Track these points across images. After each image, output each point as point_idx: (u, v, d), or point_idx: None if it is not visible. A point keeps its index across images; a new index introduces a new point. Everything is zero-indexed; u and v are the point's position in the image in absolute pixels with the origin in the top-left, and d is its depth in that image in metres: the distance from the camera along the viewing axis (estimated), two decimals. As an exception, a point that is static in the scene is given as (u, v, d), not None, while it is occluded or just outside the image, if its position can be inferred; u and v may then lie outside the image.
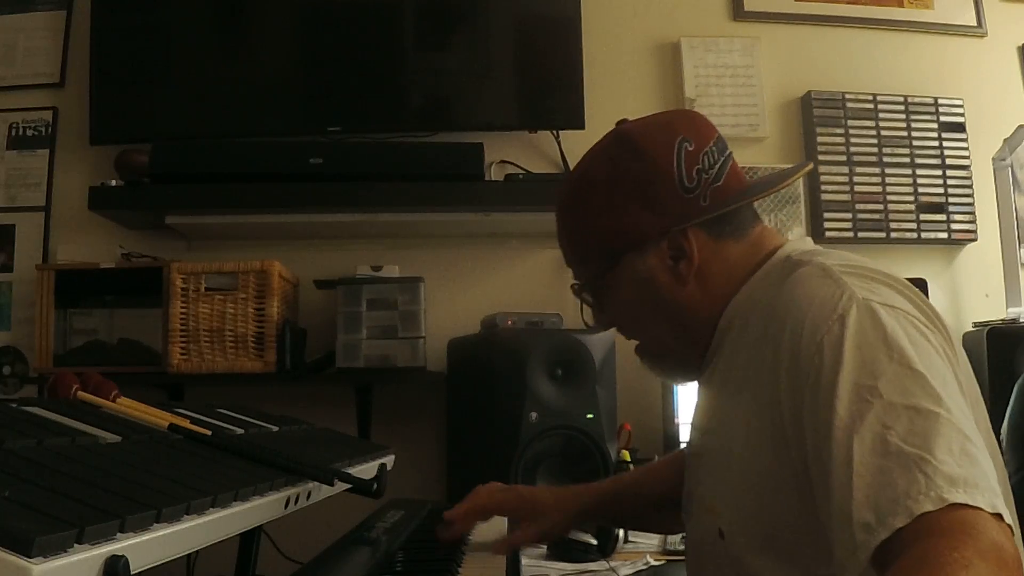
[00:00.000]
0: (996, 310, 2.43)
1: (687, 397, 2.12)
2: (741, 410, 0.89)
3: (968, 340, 2.30)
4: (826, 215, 2.46)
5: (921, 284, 2.17)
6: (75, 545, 0.51)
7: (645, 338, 1.05)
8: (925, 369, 0.74)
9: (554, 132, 2.38)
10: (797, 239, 1.00)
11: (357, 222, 2.23)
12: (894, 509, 0.66)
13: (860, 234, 2.46)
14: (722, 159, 0.97)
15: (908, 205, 2.48)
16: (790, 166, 2.34)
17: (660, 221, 0.96)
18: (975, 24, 2.61)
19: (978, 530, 0.64)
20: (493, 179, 2.31)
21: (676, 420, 2.11)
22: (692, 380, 1.06)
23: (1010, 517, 0.66)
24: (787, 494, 0.82)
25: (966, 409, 0.75)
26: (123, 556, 0.53)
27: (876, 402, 0.73)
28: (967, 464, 0.68)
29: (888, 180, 2.49)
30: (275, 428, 1.33)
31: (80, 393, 0.99)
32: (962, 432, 0.70)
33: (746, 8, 2.53)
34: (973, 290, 2.52)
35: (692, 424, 1.07)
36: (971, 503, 0.65)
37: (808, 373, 0.78)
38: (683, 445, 2.04)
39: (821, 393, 0.76)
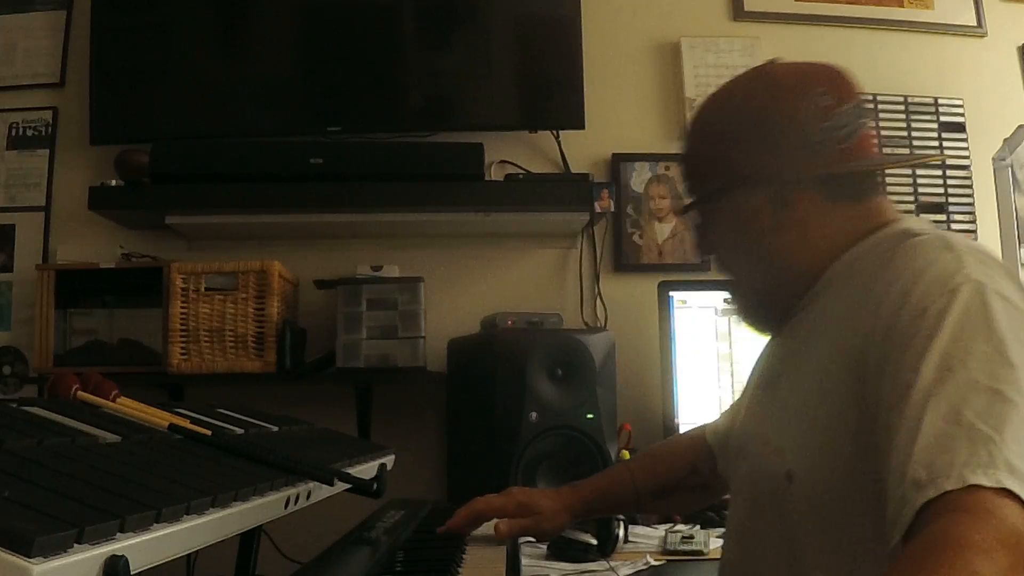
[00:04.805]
0: (996, 310, 2.43)
1: (687, 397, 2.12)
2: (823, 355, 0.89)
3: (968, 340, 2.30)
4: (826, 215, 2.46)
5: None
6: (75, 545, 0.51)
7: (738, 274, 1.05)
8: (1020, 363, 0.74)
9: (554, 132, 2.38)
10: (916, 219, 0.99)
11: (357, 222, 2.23)
12: (948, 472, 0.67)
13: (860, 234, 2.46)
14: (856, 123, 0.96)
15: (908, 205, 2.48)
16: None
17: (775, 166, 0.95)
18: (975, 24, 2.61)
19: (1014, 521, 0.64)
20: (493, 179, 2.31)
21: (676, 420, 2.11)
22: (770, 331, 1.06)
23: None
24: (850, 441, 0.82)
25: None
26: (123, 556, 0.53)
27: (961, 374, 0.73)
28: None
29: (888, 180, 2.49)
30: (275, 428, 1.33)
31: (80, 393, 0.99)
32: None
33: (746, 8, 2.53)
34: (973, 290, 2.51)
35: (756, 376, 1.08)
36: (1022, 495, 0.65)
37: (904, 333, 0.79)
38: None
39: (909, 354, 0.77)
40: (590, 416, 1.89)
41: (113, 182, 2.18)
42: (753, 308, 1.06)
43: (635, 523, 1.74)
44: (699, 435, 1.32)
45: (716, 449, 1.26)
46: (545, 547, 1.53)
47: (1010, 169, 2.45)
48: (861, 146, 0.96)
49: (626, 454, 1.98)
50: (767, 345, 1.12)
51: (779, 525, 0.91)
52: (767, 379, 1.04)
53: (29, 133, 2.39)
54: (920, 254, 0.85)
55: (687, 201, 1.08)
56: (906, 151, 2.50)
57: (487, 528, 1.26)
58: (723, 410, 1.30)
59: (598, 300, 2.37)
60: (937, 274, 0.81)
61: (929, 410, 0.72)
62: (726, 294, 1.12)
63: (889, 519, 0.71)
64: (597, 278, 2.39)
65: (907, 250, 0.87)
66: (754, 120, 0.97)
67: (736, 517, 1.03)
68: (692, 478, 1.28)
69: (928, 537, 0.65)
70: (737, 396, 1.19)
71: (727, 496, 1.13)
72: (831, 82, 0.97)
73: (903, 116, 2.51)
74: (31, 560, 0.46)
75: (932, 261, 0.83)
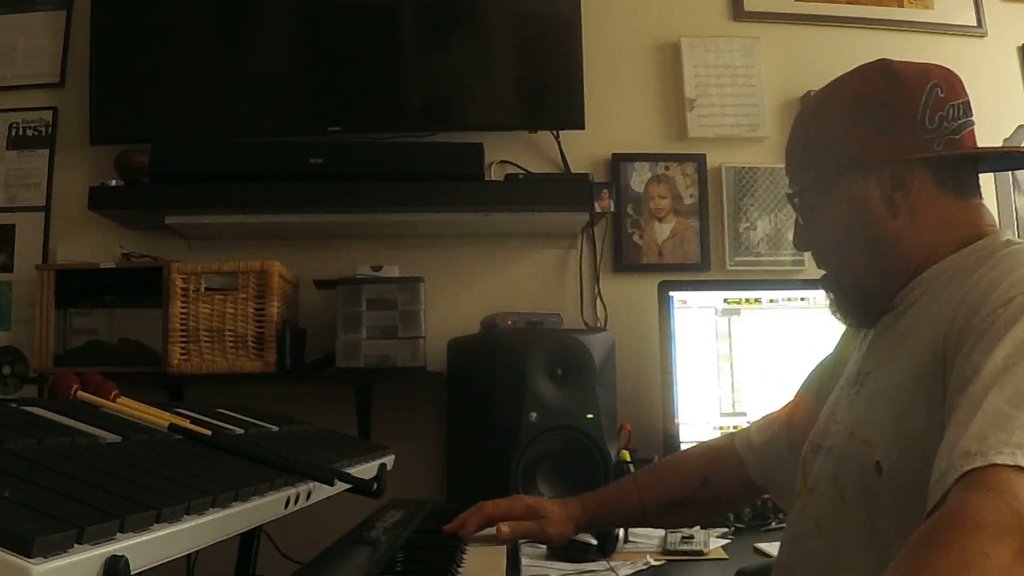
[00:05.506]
0: (996, 310, 2.43)
1: (687, 397, 2.12)
2: (913, 350, 0.92)
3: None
4: (826, 215, 2.46)
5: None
6: (75, 545, 0.51)
7: (841, 265, 1.06)
8: None
9: (554, 132, 2.38)
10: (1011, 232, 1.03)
11: (357, 222, 2.23)
12: (1000, 448, 0.69)
13: (860, 234, 2.46)
14: (965, 119, 1.00)
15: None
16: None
17: (891, 149, 0.98)
18: (975, 24, 2.61)
19: None
20: (493, 179, 2.31)
21: (676, 420, 2.11)
22: (867, 325, 1.07)
23: None
24: (939, 430, 0.82)
25: None
26: (123, 556, 0.53)
27: None
28: None
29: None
30: (275, 428, 1.33)
31: (80, 393, 0.99)
32: None
33: (746, 8, 2.53)
34: (973, 290, 2.51)
35: (848, 371, 1.08)
36: None
37: (984, 320, 0.81)
38: (684, 446, 2.04)
39: (984, 340, 0.79)
40: (590, 416, 1.89)
41: (113, 182, 2.18)
42: (854, 301, 1.07)
43: (635, 523, 1.73)
44: (718, 445, 1.32)
45: (746, 454, 1.26)
46: (545, 547, 1.53)
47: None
48: (968, 141, 1.00)
49: (626, 454, 1.98)
50: (848, 346, 1.13)
51: (865, 517, 0.92)
52: (854, 378, 1.05)
53: (29, 133, 2.39)
54: (1016, 256, 0.89)
55: (795, 188, 1.09)
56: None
57: (489, 529, 1.26)
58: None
59: (598, 300, 2.37)
60: None
61: (993, 391, 0.74)
62: (820, 286, 1.12)
63: (930, 486, 0.72)
64: (597, 278, 2.39)
65: (1005, 255, 0.90)
66: (873, 104, 1.00)
67: (811, 512, 1.02)
68: (702, 491, 1.28)
69: (947, 512, 0.67)
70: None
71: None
72: (944, 79, 1.01)
73: (903, 116, 2.50)
74: (31, 560, 0.46)
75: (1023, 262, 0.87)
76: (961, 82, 1.03)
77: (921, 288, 0.98)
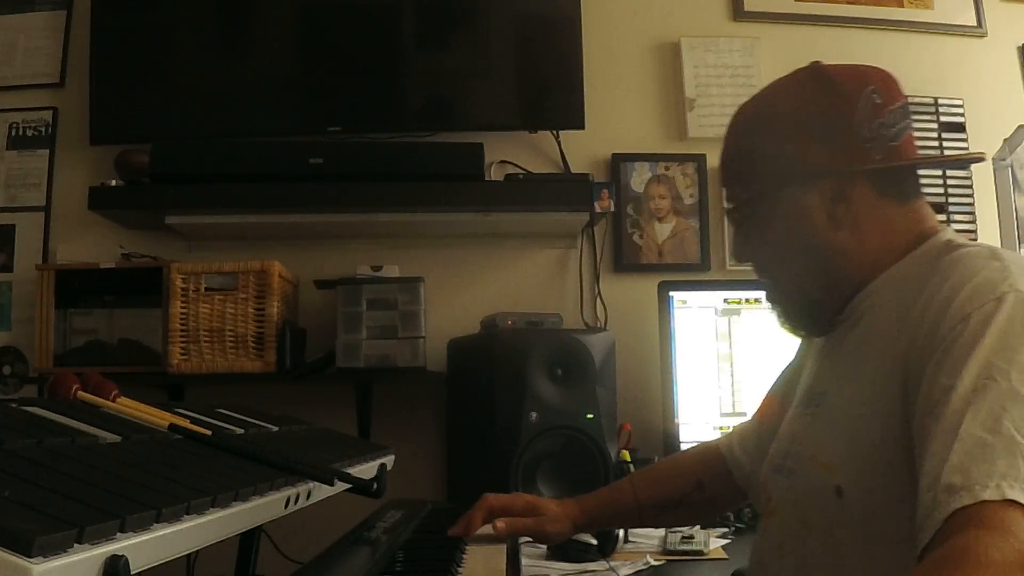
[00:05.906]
0: (996, 310, 2.42)
1: (687, 397, 2.12)
2: (870, 368, 0.90)
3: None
4: (826, 215, 2.45)
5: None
6: (75, 545, 0.51)
7: (784, 277, 1.04)
8: None
9: (554, 132, 2.38)
10: (954, 231, 1.00)
11: (357, 222, 2.23)
12: (985, 482, 0.68)
13: (860, 234, 2.45)
14: (904, 123, 0.98)
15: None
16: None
17: (831, 160, 0.96)
18: (975, 24, 2.61)
19: None
20: (493, 179, 2.31)
21: (676, 420, 2.11)
22: (815, 335, 1.06)
23: None
24: (900, 454, 0.81)
25: None
26: (123, 556, 0.53)
27: (1003, 384, 0.74)
28: None
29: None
30: (275, 428, 1.33)
31: (80, 393, 0.99)
32: None
33: (746, 8, 2.53)
34: (973, 290, 2.51)
35: (803, 387, 1.07)
36: None
37: (946, 338, 0.79)
38: (684, 446, 2.04)
39: (950, 360, 0.77)
40: (590, 416, 1.89)
41: (113, 182, 2.18)
42: (799, 312, 1.05)
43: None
44: (710, 448, 1.33)
45: (732, 463, 1.26)
46: (545, 547, 1.53)
47: (1010, 169, 2.45)
48: (907, 146, 0.98)
49: (626, 454, 1.98)
50: (804, 361, 1.12)
51: (827, 541, 0.91)
52: (810, 396, 1.03)
53: (29, 133, 2.39)
54: (966, 264, 0.86)
55: (734, 203, 1.06)
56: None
57: (487, 528, 1.26)
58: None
59: (598, 300, 2.37)
60: (982, 282, 0.82)
61: (968, 417, 0.72)
62: (764, 299, 1.10)
63: (918, 521, 0.71)
64: (597, 278, 2.39)
65: (954, 260, 0.88)
66: (811, 115, 0.98)
67: (775, 535, 1.01)
68: (696, 493, 1.28)
69: (950, 550, 0.65)
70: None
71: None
72: (881, 82, 0.98)
73: (903, 116, 2.50)
74: (31, 560, 0.46)
75: (978, 270, 0.84)
76: (898, 83, 1.00)
77: (869, 300, 0.97)
